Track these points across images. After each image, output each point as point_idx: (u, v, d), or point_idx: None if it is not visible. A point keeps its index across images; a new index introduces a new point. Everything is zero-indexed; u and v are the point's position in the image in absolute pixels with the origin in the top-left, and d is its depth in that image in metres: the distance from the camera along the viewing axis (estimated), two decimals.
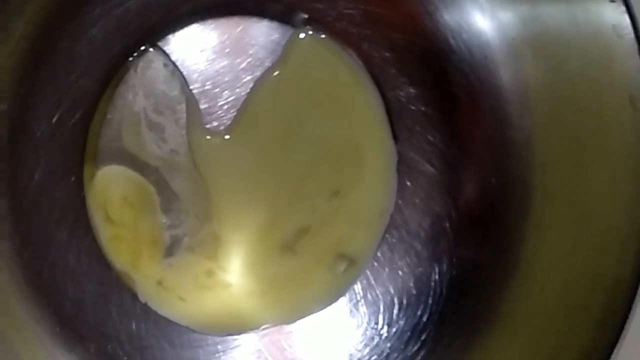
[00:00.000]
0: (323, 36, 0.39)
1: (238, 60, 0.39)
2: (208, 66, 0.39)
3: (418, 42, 0.39)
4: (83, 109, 0.38)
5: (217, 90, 0.39)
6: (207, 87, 0.39)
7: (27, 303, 0.37)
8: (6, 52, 0.36)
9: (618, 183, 0.35)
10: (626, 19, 0.34)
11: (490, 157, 0.39)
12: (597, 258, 0.36)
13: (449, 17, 0.39)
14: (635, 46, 0.34)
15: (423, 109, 0.40)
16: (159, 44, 0.38)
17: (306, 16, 0.39)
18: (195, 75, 0.39)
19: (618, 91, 0.35)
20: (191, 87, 0.39)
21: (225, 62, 0.39)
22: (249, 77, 0.39)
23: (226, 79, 0.39)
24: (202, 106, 0.39)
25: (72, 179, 0.38)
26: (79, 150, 0.38)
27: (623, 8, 0.34)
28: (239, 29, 0.39)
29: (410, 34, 0.39)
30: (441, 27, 0.39)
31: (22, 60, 0.36)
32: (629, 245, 0.35)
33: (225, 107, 0.39)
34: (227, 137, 0.39)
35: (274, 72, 0.39)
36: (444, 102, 0.40)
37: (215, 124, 0.39)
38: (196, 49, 0.39)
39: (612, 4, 0.34)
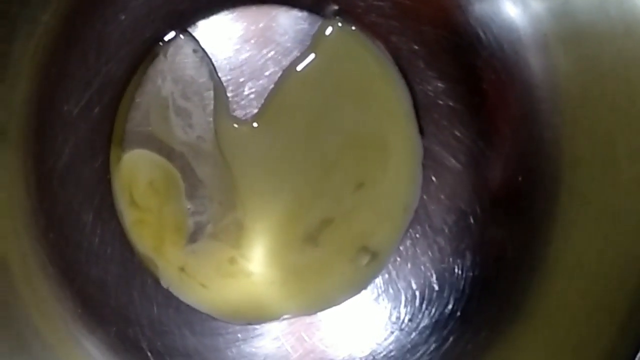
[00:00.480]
0: (353, 28, 0.39)
1: (266, 49, 0.39)
2: (235, 54, 0.39)
3: (448, 35, 0.39)
4: (112, 92, 0.38)
5: (243, 79, 0.39)
6: (233, 76, 0.39)
7: (51, 283, 0.37)
8: (38, 32, 0.36)
9: None
10: None
11: (518, 154, 0.39)
12: (624, 260, 0.35)
13: (480, 11, 0.38)
14: None
15: (451, 103, 0.39)
16: (190, 29, 0.38)
17: (337, 7, 0.39)
18: (223, 63, 0.39)
19: None
20: (219, 74, 0.39)
21: (253, 51, 0.39)
22: (276, 67, 0.39)
23: (253, 68, 0.39)
24: (227, 94, 0.39)
25: (99, 161, 0.38)
26: (106, 132, 0.38)
27: None
28: (268, 17, 0.39)
29: (440, 27, 0.39)
30: (472, 20, 0.39)
31: (53, 41, 0.36)
32: None
33: (251, 96, 0.39)
34: (255, 124, 0.39)
35: (302, 62, 0.39)
36: (472, 98, 0.39)
37: (239, 112, 0.39)
38: (224, 36, 0.39)
39: None
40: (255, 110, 0.39)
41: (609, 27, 0.35)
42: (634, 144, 0.35)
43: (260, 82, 0.39)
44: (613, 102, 0.36)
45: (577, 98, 0.37)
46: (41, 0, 0.36)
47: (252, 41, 0.39)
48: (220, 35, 0.39)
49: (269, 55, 0.39)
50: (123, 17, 0.37)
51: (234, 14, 0.39)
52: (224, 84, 0.39)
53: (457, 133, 0.39)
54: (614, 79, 0.36)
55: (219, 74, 0.39)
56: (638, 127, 0.35)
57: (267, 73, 0.39)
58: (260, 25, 0.39)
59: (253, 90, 0.39)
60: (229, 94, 0.39)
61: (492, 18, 0.38)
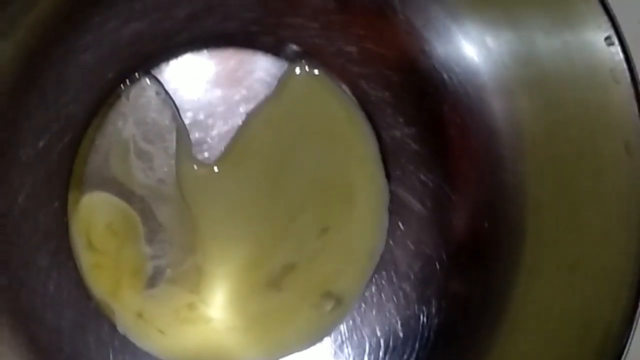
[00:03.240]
0: (318, 72, 0.39)
1: (232, 91, 0.39)
2: (201, 97, 0.39)
3: (414, 80, 0.39)
4: (71, 135, 0.37)
5: (210, 121, 0.39)
6: (199, 118, 0.39)
7: (2, 329, 0.36)
8: None
9: (612, 228, 0.35)
10: (623, 64, 0.34)
11: (483, 200, 0.38)
12: (589, 304, 0.35)
13: (445, 56, 0.38)
14: (632, 91, 0.34)
15: (417, 148, 0.39)
16: (153, 72, 0.38)
17: (296, 48, 0.39)
18: (188, 105, 0.38)
19: (614, 136, 0.34)
20: (183, 117, 0.38)
21: (219, 93, 0.39)
22: (242, 110, 0.39)
23: (219, 110, 0.39)
24: (194, 136, 0.38)
25: (56, 204, 0.37)
26: (65, 175, 0.37)
27: (620, 53, 0.34)
28: (234, 60, 0.39)
29: (406, 72, 0.39)
30: (437, 65, 0.38)
31: (10, 83, 0.36)
32: (621, 292, 0.34)
33: (218, 138, 0.39)
34: (215, 169, 0.38)
35: (267, 106, 0.39)
36: (438, 142, 0.39)
37: (206, 155, 0.39)
38: (190, 78, 0.39)
39: (610, 48, 0.34)
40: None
41: (572, 74, 0.35)
42: (599, 190, 0.35)
43: (228, 124, 0.39)
44: (577, 149, 0.36)
45: (541, 144, 0.37)
46: (1, 33, 0.35)
47: (219, 83, 0.39)
48: (186, 77, 0.39)
49: (236, 98, 0.39)
50: (84, 58, 0.37)
51: (200, 57, 0.39)
52: (190, 126, 0.38)
53: (424, 178, 0.39)
54: (578, 125, 0.36)
55: (185, 116, 0.38)
56: (600, 174, 0.35)
57: (234, 115, 0.39)
58: (227, 68, 0.39)
59: (220, 132, 0.39)
60: (196, 136, 0.38)
61: (457, 63, 0.38)
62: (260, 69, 0.39)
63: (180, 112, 0.38)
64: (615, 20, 0.34)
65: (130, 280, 0.38)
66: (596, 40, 0.34)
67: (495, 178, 0.38)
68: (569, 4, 0.35)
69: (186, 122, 0.38)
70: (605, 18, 0.34)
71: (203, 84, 0.39)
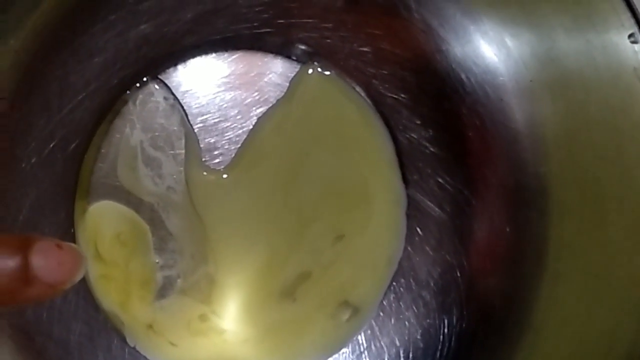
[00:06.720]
0: (330, 73, 0.38)
1: (243, 95, 0.38)
2: (212, 101, 0.38)
3: (431, 81, 0.38)
4: (76, 142, 0.37)
5: (222, 125, 0.38)
6: (209, 122, 0.38)
7: (9, 344, 0.35)
8: None
9: (639, 236, 0.33)
10: None
11: (505, 204, 0.37)
12: (615, 316, 0.34)
13: (462, 55, 0.37)
14: None
15: (435, 151, 0.38)
16: (160, 76, 0.37)
17: (308, 49, 0.38)
18: (197, 110, 0.38)
19: (639, 137, 0.33)
20: (193, 122, 0.38)
21: (229, 97, 0.38)
22: (253, 113, 0.38)
23: (230, 113, 0.38)
24: (204, 142, 0.38)
25: (62, 214, 0.37)
26: (70, 184, 0.37)
27: None
28: (244, 63, 0.38)
29: (423, 73, 0.38)
30: (455, 65, 0.37)
31: (12, 90, 0.35)
32: None
33: (229, 143, 0.38)
34: (226, 175, 0.37)
35: (279, 108, 0.38)
36: (457, 145, 0.38)
37: (217, 160, 0.38)
38: (199, 82, 0.38)
39: (634, 46, 0.33)
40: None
41: (595, 73, 0.34)
42: (623, 195, 0.34)
43: (239, 127, 0.38)
44: (601, 151, 0.35)
45: (563, 147, 0.36)
46: (3, 39, 0.34)
47: (228, 87, 0.38)
48: (195, 81, 0.38)
49: (247, 101, 0.38)
50: (88, 63, 0.36)
51: (209, 60, 0.38)
52: (200, 131, 0.38)
53: (442, 181, 0.38)
54: (602, 127, 0.34)
55: (195, 121, 0.38)
56: (627, 177, 0.34)
57: (245, 119, 0.38)
58: (237, 70, 0.38)
59: (231, 136, 0.38)
60: (206, 141, 0.38)
61: (476, 62, 0.37)
62: (272, 71, 0.38)
63: (190, 117, 0.38)
64: (639, 17, 0.33)
65: (140, 291, 0.37)
66: (619, 38, 0.33)
67: (516, 182, 0.37)
68: (590, 1, 0.34)
69: (197, 127, 0.38)
70: (628, 15, 0.33)
71: (213, 88, 0.38)
